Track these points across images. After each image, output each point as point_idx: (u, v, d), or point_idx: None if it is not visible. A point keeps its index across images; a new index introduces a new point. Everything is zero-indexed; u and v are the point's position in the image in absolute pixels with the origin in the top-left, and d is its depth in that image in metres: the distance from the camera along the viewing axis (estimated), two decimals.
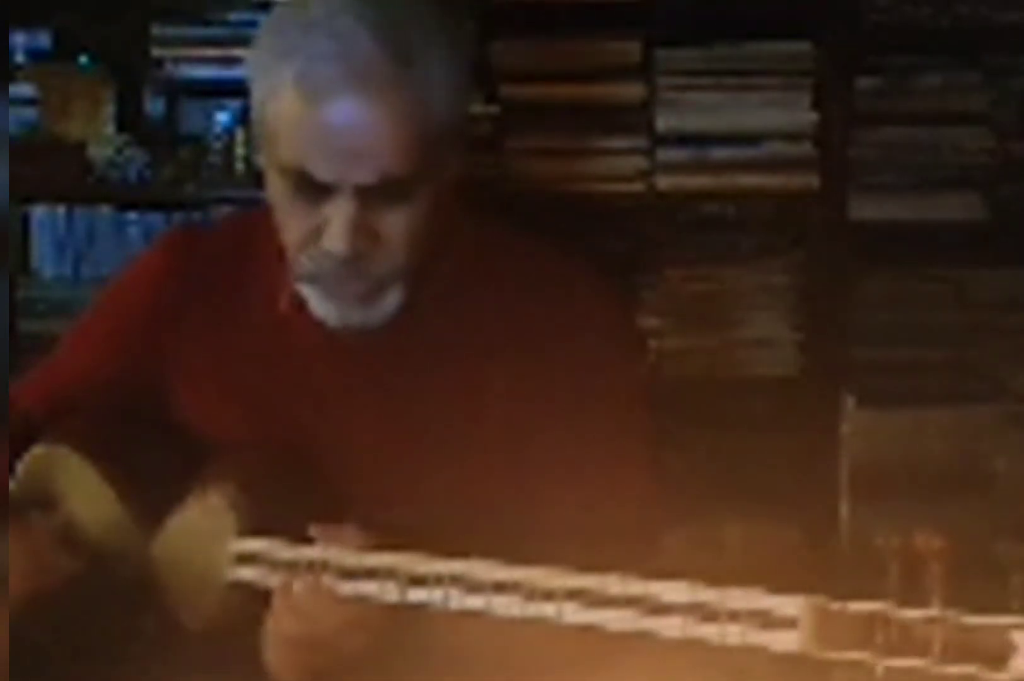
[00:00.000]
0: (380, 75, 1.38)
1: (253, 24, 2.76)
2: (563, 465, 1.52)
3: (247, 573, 1.43)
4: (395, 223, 1.44)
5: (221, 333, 1.61)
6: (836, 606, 1.05)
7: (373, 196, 1.41)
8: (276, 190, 1.46)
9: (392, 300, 1.48)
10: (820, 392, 2.85)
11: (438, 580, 1.30)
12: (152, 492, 1.53)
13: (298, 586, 1.36)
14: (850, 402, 2.81)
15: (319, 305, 1.49)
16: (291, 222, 1.46)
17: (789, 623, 1.08)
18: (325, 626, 1.36)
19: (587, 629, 1.22)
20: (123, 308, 1.68)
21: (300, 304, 1.54)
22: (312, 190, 1.42)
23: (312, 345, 1.57)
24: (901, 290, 2.87)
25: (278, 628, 1.39)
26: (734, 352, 2.90)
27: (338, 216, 1.41)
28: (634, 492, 1.53)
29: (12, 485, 1.58)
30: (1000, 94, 2.85)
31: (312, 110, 1.39)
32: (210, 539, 1.46)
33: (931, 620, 1.00)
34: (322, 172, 1.40)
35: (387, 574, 1.34)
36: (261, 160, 1.50)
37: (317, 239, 1.44)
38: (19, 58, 2.94)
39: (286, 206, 1.46)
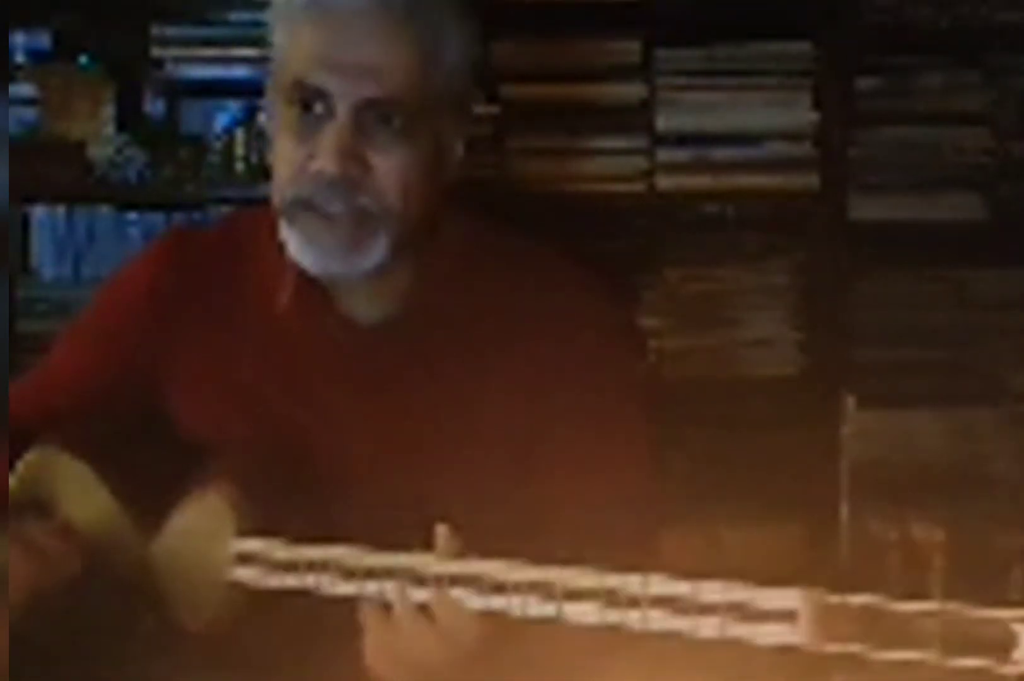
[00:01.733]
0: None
1: (253, 24, 2.76)
2: (563, 466, 1.52)
3: (247, 573, 1.43)
4: (388, 157, 1.46)
5: (219, 333, 1.61)
6: (836, 599, 1.05)
7: (370, 118, 1.45)
8: (279, 121, 1.50)
9: (376, 252, 1.49)
10: (820, 392, 2.85)
11: (442, 580, 1.30)
12: (150, 493, 1.53)
13: (434, 598, 1.32)
14: (850, 402, 2.81)
15: (300, 250, 1.50)
16: (287, 151, 1.49)
17: (789, 617, 1.08)
18: (461, 641, 1.32)
19: (588, 627, 1.22)
20: (120, 308, 1.67)
21: (300, 302, 1.54)
22: (306, 109, 1.46)
23: (310, 344, 1.57)
24: (901, 290, 2.88)
25: (406, 637, 1.35)
26: (734, 352, 2.90)
27: (331, 135, 1.45)
28: (635, 491, 1.53)
29: (10, 486, 1.58)
30: (1000, 94, 2.85)
31: (322, 27, 1.45)
32: (209, 539, 1.46)
33: (931, 612, 1.00)
34: (325, 81, 1.45)
35: (388, 574, 1.34)
36: (271, 101, 1.54)
37: (309, 163, 1.46)
38: (19, 58, 2.93)
39: (282, 135, 1.50)
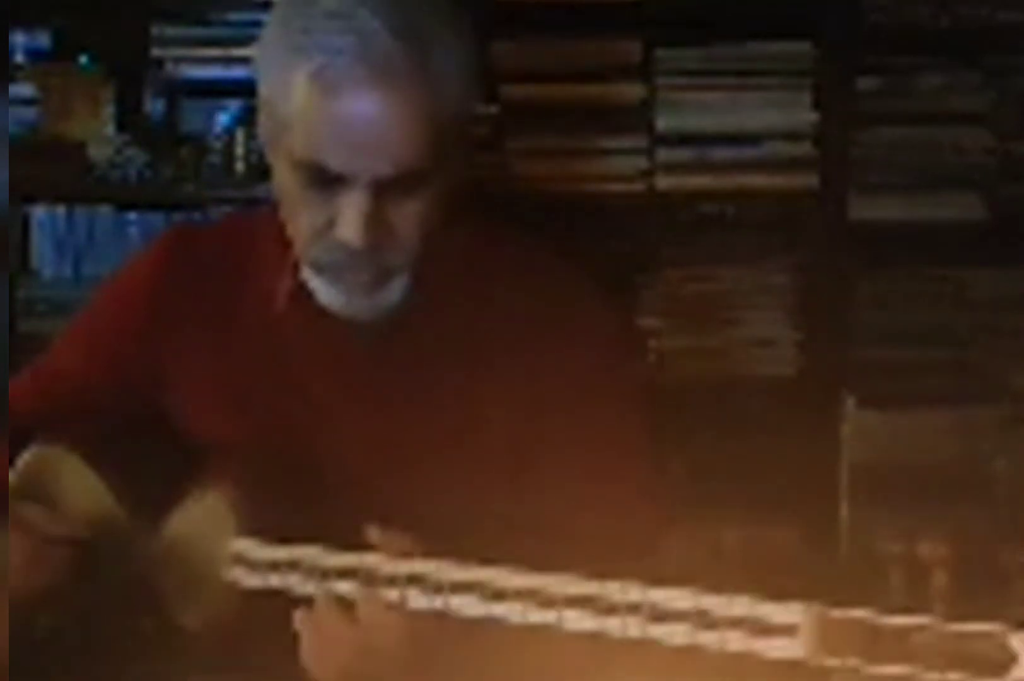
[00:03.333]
0: (398, 69, 1.38)
1: (253, 24, 2.76)
2: (562, 470, 1.52)
3: (246, 573, 1.43)
4: (407, 215, 1.44)
5: (218, 333, 1.61)
6: (837, 613, 1.05)
7: (387, 188, 1.41)
8: (286, 183, 1.46)
9: (397, 288, 1.49)
10: (820, 392, 2.85)
11: (442, 587, 1.31)
12: (151, 492, 1.53)
13: (360, 595, 1.35)
14: (850, 402, 2.81)
15: (326, 293, 1.49)
16: (302, 214, 1.46)
17: (790, 630, 1.08)
18: (385, 636, 1.34)
19: (589, 636, 1.22)
20: (121, 307, 1.67)
21: (299, 302, 1.54)
22: (326, 182, 1.42)
23: (309, 347, 1.57)
24: (901, 290, 2.88)
25: (328, 636, 1.37)
26: (734, 352, 2.90)
27: (352, 208, 1.41)
28: (635, 494, 1.53)
29: (10, 483, 1.58)
30: (1000, 94, 2.85)
31: (330, 104, 1.38)
32: (209, 539, 1.46)
33: (931, 627, 1.00)
34: (339, 164, 1.40)
35: (351, 574, 1.35)
36: (269, 154, 1.50)
37: (330, 230, 1.44)
38: (19, 58, 2.94)
39: (297, 199, 1.45)
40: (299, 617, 1.37)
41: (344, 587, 1.35)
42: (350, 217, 1.41)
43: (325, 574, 1.37)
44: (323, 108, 1.39)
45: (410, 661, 1.35)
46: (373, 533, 1.35)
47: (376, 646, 1.34)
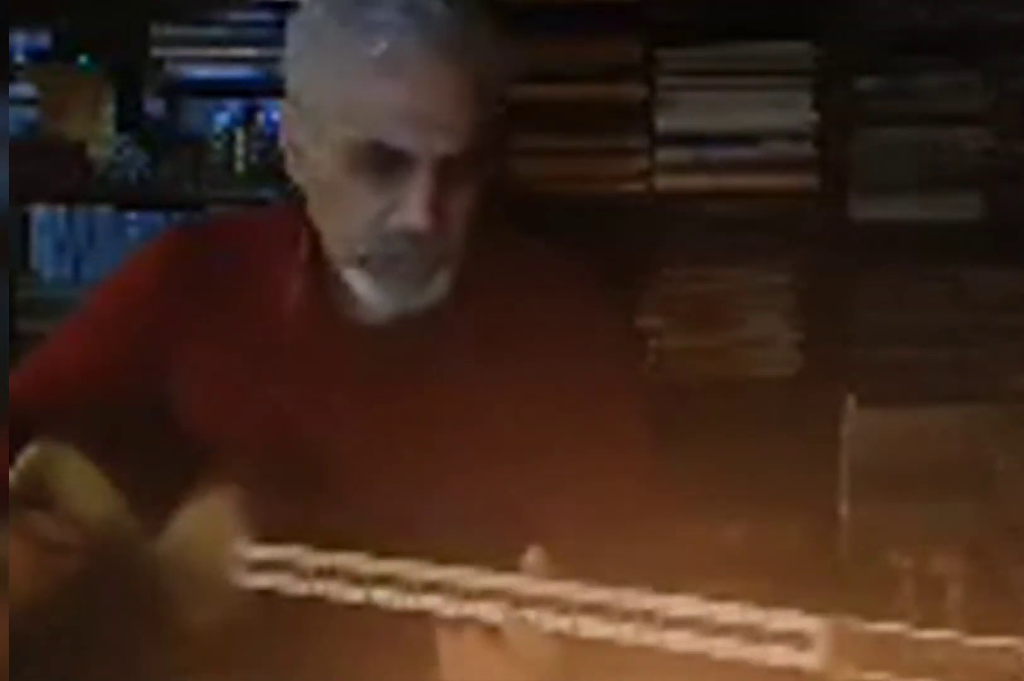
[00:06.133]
0: (458, 43, 1.41)
1: (253, 24, 2.77)
2: (564, 472, 1.52)
3: (250, 574, 1.43)
4: (460, 201, 1.44)
5: (223, 332, 1.60)
6: (855, 625, 1.05)
7: (449, 169, 1.42)
8: (333, 175, 1.45)
9: (441, 283, 1.48)
10: (820, 392, 2.86)
11: (441, 588, 1.31)
12: (154, 491, 1.53)
13: (506, 619, 1.30)
14: (851, 402, 2.81)
15: (369, 291, 1.48)
16: (354, 205, 1.45)
17: (807, 641, 1.08)
18: (532, 660, 1.30)
19: (600, 643, 1.23)
20: (125, 304, 1.66)
21: (311, 302, 1.54)
22: (385, 167, 1.42)
23: (316, 345, 1.57)
24: (901, 290, 2.88)
25: (474, 660, 1.33)
26: (734, 352, 2.90)
27: (417, 190, 1.41)
28: (636, 493, 1.54)
29: (12, 481, 1.57)
30: (1000, 94, 2.86)
31: (395, 83, 1.39)
32: (213, 539, 1.46)
33: (949, 640, 1.01)
34: (403, 142, 1.40)
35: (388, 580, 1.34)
36: (303, 143, 1.48)
37: (387, 219, 1.43)
38: (19, 58, 2.94)
39: (346, 190, 1.45)
40: (443, 639, 1.34)
41: (382, 595, 1.34)
42: (415, 200, 1.41)
43: (361, 580, 1.35)
44: (388, 87, 1.40)
45: None
46: (532, 559, 1.31)
47: (524, 670, 1.31)
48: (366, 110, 1.41)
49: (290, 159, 1.51)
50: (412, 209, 1.41)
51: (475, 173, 1.44)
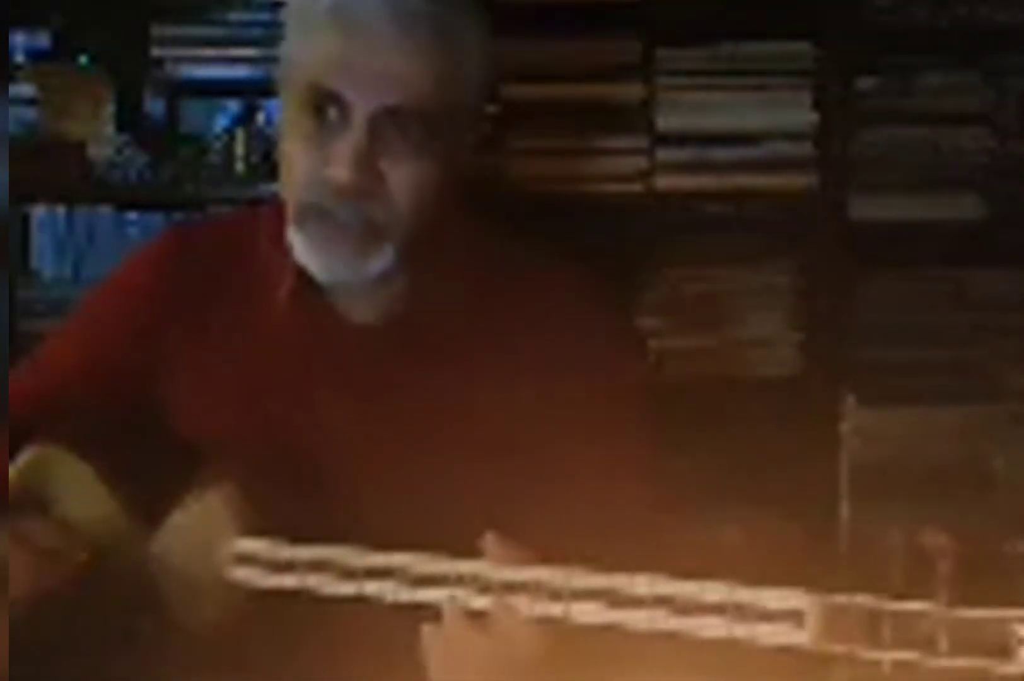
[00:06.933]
0: (417, 16, 1.43)
1: (253, 24, 2.77)
2: (562, 470, 1.52)
3: (246, 573, 1.43)
4: (402, 167, 1.45)
5: (219, 331, 1.61)
6: (842, 600, 1.05)
7: (386, 127, 1.43)
8: (290, 124, 1.49)
9: (381, 260, 1.48)
10: (820, 392, 2.85)
11: (445, 580, 1.31)
12: (149, 492, 1.53)
13: (493, 606, 1.31)
14: (850, 401, 2.81)
15: (306, 254, 1.49)
16: (299, 156, 1.47)
17: (795, 618, 1.08)
18: (521, 646, 1.31)
19: (600, 628, 1.23)
20: (120, 306, 1.67)
21: (300, 301, 1.54)
22: (321, 115, 1.45)
23: (308, 345, 1.57)
24: (901, 290, 2.88)
25: (461, 649, 1.34)
26: (734, 352, 2.90)
27: (347, 143, 1.43)
28: (636, 493, 1.53)
29: (10, 483, 1.57)
30: (1000, 94, 2.86)
31: (344, 32, 1.43)
32: (208, 539, 1.46)
33: (936, 614, 1.00)
34: (344, 88, 1.43)
35: (388, 574, 1.34)
36: (282, 96, 1.52)
37: (321, 170, 1.45)
38: (19, 58, 2.94)
39: (297, 139, 1.47)
40: (427, 632, 1.34)
41: (431, 594, 1.33)
42: (341, 150, 1.43)
43: (352, 574, 1.36)
44: (338, 31, 1.43)
45: (544, 670, 1.32)
46: (489, 542, 1.32)
47: (512, 657, 1.31)
48: (310, 54, 1.45)
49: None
50: (338, 161, 1.43)
51: (427, 144, 1.45)
